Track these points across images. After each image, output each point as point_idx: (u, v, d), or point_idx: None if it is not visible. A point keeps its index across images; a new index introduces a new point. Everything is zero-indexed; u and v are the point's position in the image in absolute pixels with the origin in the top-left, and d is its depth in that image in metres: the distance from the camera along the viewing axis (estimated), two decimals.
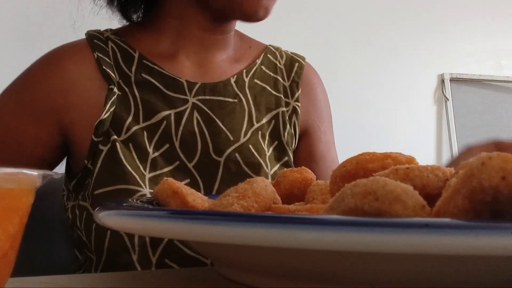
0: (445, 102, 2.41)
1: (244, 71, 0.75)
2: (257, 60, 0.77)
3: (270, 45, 0.82)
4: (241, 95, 0.73)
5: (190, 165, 0.67)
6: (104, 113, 0.66)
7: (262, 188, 0.37)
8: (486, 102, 2.47)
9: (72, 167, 0.70)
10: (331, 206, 0.28)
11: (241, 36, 0.80)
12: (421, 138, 2.36)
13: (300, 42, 1.92)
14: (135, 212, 0.31)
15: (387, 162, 0.36)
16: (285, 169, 0.48)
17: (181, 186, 0.41)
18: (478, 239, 0.21)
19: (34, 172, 0.31)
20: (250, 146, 0.70)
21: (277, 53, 0.80)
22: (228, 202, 0.35)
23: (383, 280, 0.27)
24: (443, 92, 2.41)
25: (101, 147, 0.65)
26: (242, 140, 0.69)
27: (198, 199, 0.41)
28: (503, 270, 0.25)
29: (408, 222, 0.23)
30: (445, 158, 2.41)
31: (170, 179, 0.42)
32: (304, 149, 0.79)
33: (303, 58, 0.82)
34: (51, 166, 0.71)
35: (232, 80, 0.73)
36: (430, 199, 0.29)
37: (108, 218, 0.33)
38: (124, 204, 0.36)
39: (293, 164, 0.74)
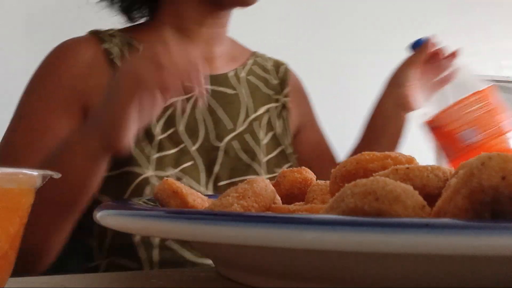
0: None
1: (239, 68, 0.82)
2: (248, 61, 0.85)
3: (255, 51, 0.89)
4: (239, 88, 0.79)
5: (192, 149, 0.71)
6: None
7: (262, 188, 0.37)
8: None
9: None
10: (331, 206, 0.28)
11: (233, 41, 0.87)
12: (421, 138, 2.35)
13: (300, 42, 1.93)
14: (135, 212, 0.31)
15: (387, 162, 0.36)
16: (285, 168, 0.48)
17: (181, 186, 0.41)
18: (478, 239, 0.21)
19: (34, 172, 0.31)
20: (248, 134, 0.76)
21: (263, 57, 0.88)
22: (228, 202, 0.35)
23: (383, 280, 0.27)
24: None
25: None
26: (240, 129, 0.76)
27: (198, 199, 0.41)
28: (503, 270, 0.25)
29: (408, 222, 0.23)
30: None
31: (170, 179, 0.42)
32: (306, 138, 0.85)
33: (286, 63, 0.90)
34: None
35: (231, 74, 0.80)
36: (430, 199, 0.29)
37: (108, 218, 0.33)
38: (124, 204, 0.36)
39: (289, 155, 0.80)
